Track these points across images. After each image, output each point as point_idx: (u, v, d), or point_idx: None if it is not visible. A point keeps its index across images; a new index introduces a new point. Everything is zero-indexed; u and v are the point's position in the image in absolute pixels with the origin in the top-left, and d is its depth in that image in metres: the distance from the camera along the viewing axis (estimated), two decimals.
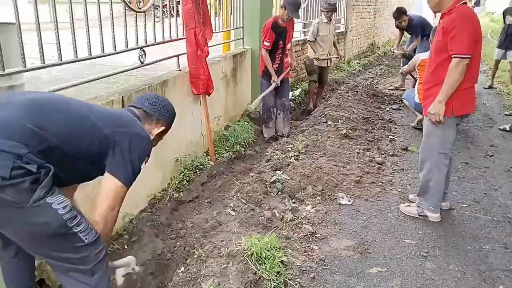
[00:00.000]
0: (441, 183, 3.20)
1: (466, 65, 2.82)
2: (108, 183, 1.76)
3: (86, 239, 1.64)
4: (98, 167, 1.77)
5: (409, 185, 3.90)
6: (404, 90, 7.89)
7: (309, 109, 6.84)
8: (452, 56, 2.83)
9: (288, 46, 5.49)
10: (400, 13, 7.32)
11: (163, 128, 2.10)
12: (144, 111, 2.04)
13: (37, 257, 1.79)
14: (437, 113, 2.93)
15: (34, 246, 1.64)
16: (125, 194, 1.81)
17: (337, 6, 7.19)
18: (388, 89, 8.03)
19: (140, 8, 3.45)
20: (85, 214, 1.71)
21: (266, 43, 5.15)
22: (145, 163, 1.86)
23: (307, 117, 6.31)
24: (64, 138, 1.64)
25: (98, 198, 1.77)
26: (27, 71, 2.46)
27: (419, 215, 3.29)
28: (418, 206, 3.31)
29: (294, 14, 5.06)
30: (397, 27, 7.72)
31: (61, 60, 2.73)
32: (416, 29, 7.28)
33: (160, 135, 2.12)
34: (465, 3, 2.95)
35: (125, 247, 2.99)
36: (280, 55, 5.35)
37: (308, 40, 6.81)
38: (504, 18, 7.62)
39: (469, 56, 2.81)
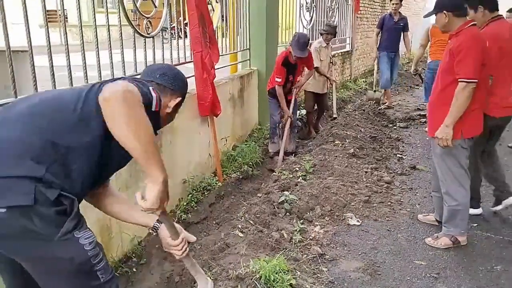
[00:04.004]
0: (468, 203, 3.09)
1: (473, 89, 2.78)
2: (111, 89, 1.46)
3: (102, 277, 1.57)
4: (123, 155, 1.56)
5: (418, 204, 3.88)
6: (392, 108, 7.93)
7: (312, 136, 6.43)
8: (459, 80, 2.79)
9: (300, 76, 5.53)
10: None
11: (179, 99, 1.84)
12: (157, 84, 1.77)
13: None
14: (444, 137, 2.86)
15: (48, 280, 1.54)
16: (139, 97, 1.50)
17: (340, 28, 7.01)
18: (379, 110, 7.55)
19: (149, 33, 3.53)
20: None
21: (278, 79, 5.13)
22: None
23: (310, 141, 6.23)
24: (71, 140, 1.49)
25: (108, 118, 1.46)
26: None
27: (454, 244, 3.11)
28: (448, 234, 3.13)
29: (298, 53, 4.95)
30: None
31: (72, 86, 2.80)
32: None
33: (176, 108, 1.86)
34: (474, 24, 2.94)
35: (134, 269, 3.00)
36: (290, 88, 5.40)
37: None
38: None
39: (476, 80, 2.76)
